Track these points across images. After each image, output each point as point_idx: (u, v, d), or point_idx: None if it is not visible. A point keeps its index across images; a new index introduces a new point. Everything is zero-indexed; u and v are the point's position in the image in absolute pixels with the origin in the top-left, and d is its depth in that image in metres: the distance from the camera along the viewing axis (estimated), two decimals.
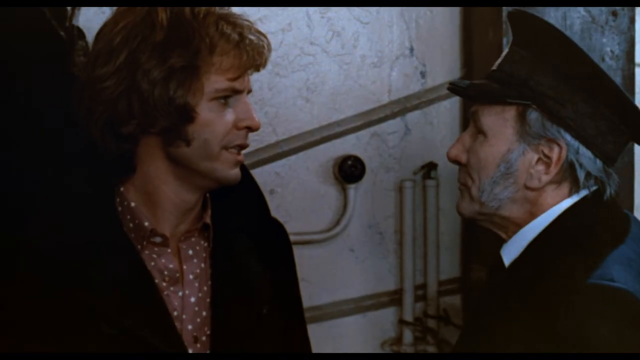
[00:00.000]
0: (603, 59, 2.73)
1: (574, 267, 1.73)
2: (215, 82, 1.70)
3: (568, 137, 1.82)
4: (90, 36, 2.26)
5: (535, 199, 1.87)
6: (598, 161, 1.84)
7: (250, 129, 1.77)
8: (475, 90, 1.95)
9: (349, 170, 2.80)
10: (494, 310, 1.87)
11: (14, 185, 1.80)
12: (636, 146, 2.82)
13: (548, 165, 1.84)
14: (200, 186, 1.79)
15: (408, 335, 2.95)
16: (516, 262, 1.89)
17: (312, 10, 2.76)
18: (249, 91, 1.78)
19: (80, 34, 2.04)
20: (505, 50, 1.93)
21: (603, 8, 2.71)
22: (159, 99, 1.66)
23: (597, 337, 1.63)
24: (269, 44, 1.76)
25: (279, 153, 2.74)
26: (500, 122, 1.87)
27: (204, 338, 1.78)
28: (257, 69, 1.77)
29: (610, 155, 1.86)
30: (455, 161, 1.96)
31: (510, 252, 1.91)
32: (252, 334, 1.84)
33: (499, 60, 1.92)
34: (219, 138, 1.72)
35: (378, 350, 2.94)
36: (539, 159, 1.85)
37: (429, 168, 2.91)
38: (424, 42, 2.90)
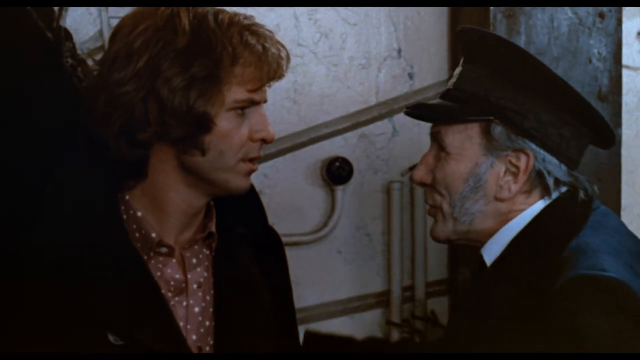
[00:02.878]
0: (590, 61, 2.74)
1: (560, 262, 1.74)
2: (236, 92, 1.67)
3: (533, 146, 1.85)
4: (77, 37, 2.26)
5: (507, 208, 1.90)
6: (563, 166, 1.88)
7: (265, 140, 1.74)
8: (435, 111, 1.96)
9: (336, 172, 2.79)
10: (480, 309, 1.88)
11: (16, 190, 1.78)
12: (623, 147, 2.83)
13: (516, 175, 1.87)
14: (210, 193, 1.77)
15: (396, 337, 2.94)
16: (499, 261, 1.90)
17: (299, 11, 2.76)
18: (265, 101, 1.75)
19: (68, 35, 2.02)
20: (459, 69, 1.94)
21: (590, 10, 2.72)
22: (178, 107, 1.63)
23: (592, 327, 1.63)
24: (287, 55, 1.74)
25: (267, 154, 2.74)
26: (465, 140, 1.88)
27: (207, 348, 1.76)
28: (276, 80, 1.74)
29: (573, 159, 1.89)
30: (421, 183, 1.97)
31: (491, 252, 1.92)
32: (254, 343, 1.83)
33: (454, 80, 1.93)
34: (235, 150, 1.70)
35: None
36: (506, 170, 1.87)
37: None
38: (412, 44, 2.90)
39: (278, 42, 1.73)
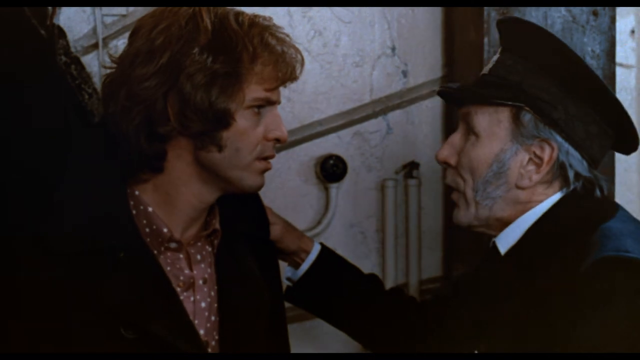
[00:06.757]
0: (584, 59, 2.74)
1: (584, 246, 1.77)
2: (255, 91, 1.72)
3: (559, 138, 1.87)
4: (70, 35, 2.25)
5: (527, 198, 1.92)
6: (585, 162, 1.90)
7: (279, 140, 1.80)
8: (468, 93, 1.99)
9: (330, 170, 2.80)
10: (496, 296, 1.91)
11: (14, 187, 1.78)
12: None
13: (539, 166, 1.89)
14: (224, 189, 1.81)
15: None
16: (515, 249, 1.93)
17: (293, 9, 2.76)
18: (279, 102, 1.81)
19: (61, 32, 2.02)
20: (496, 56, 1.96)
21: (584, 8, 2.72)
22: (200, 103, 1.67)
23: (625, 306, 1.68)
24: (302, 59, 1.80)
25: None
26: (494, 123, 1.91)
27: (213, 343, 1.80)
28: (291, 82, 1.79)
29: (595, 158, 1.92)
30: (444, 163, 2.00)
31: (506, 241, 1.94)
32: (258, 338, 1.87)
33: (490, 65, 1.96)
34: (250, 148, 1.75)
35: (360, 351, 2.94)
36: (530, 159, 1.90)
37: (411, 167, 2.91)
38: (406, 41, 2.90)
39: (294, 45, 1.79)
